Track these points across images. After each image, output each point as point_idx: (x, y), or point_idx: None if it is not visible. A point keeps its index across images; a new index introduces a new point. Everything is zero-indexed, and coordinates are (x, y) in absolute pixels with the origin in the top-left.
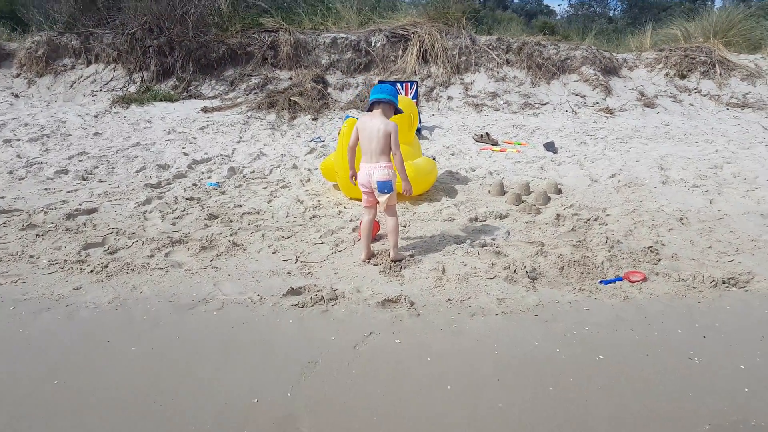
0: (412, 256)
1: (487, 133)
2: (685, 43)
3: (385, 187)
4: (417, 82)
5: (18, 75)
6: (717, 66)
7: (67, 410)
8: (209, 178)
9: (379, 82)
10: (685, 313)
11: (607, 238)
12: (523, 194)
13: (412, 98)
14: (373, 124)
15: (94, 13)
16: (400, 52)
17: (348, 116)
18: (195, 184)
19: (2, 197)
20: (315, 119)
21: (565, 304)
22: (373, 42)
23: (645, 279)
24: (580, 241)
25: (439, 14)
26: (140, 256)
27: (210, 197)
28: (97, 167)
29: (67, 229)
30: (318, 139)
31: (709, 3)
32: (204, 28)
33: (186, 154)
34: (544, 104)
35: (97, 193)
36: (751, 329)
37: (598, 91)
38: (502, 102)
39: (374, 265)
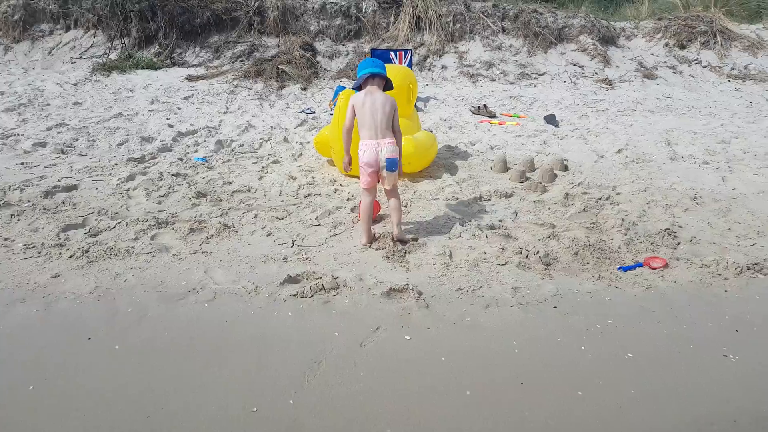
0: (415, 239)
1: (484, 105)
2: (685, 12)
3: (393, 164)
4: (411, 50)
5: None
6: (718, 36)
7: (44, 428)
8: (196, 152)
9: (372, 51)
10: (713, 303)
11: (623, 219)
12: (528, 171)
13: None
14: (376, 98)
15: None
16: (392, 19)
17: (340, 87)
18: (181, 159)
19: None
20: (304, 89)
21: (585, 294)
22: (364, 8)
23: (666, 265)
24: (593, 223)
25: None
26: (124, 239)
27: (197, 173)
28: (77, 139)
29: (44, 209)
30: (309, 110)
31: None
32: None
33: (170, 126)
34: (542, 74)
35: (77, 168)
36: None
37: (596, 61)
38: (498, 72)
39: (376, 249)
